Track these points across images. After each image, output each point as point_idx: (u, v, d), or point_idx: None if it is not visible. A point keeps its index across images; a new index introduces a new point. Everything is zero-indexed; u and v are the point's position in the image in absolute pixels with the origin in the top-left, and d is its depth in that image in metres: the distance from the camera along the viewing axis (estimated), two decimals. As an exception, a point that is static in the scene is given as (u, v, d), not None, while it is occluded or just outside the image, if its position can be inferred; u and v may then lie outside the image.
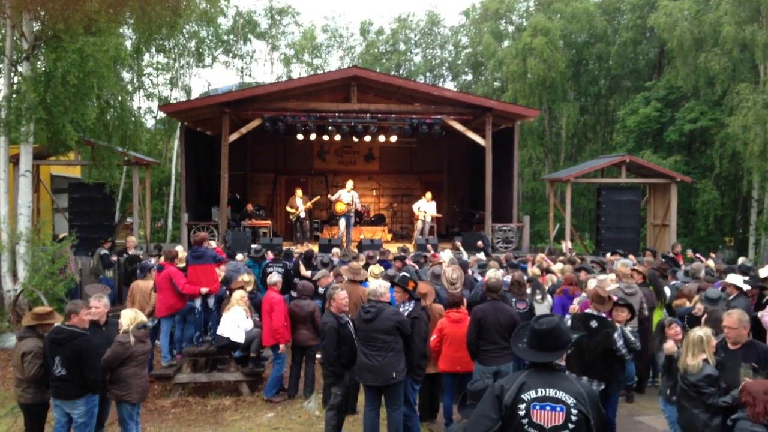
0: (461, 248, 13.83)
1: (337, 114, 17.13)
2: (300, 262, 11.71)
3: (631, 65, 31.01)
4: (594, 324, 6.25)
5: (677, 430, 5.67)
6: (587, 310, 6.60)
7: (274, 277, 9.21)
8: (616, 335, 6.23)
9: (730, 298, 7.69)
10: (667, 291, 9.47)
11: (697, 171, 25.32)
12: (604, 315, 6.39)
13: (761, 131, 20.41)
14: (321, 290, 9.62)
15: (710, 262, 12.37)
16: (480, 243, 14.86)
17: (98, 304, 6.55)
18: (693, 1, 24.62)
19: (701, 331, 5.38)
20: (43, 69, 11.95)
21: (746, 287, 7.93)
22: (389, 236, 20.05)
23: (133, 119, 14.01)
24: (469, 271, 10.51)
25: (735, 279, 8.01)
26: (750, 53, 23.00)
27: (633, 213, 17.41)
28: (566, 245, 15.47)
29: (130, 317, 6.29)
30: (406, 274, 8.17)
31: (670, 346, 5.92)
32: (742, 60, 23.50)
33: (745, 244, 24.54)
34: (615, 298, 6.81)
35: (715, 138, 23.93)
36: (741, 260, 12.49)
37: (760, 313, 7.37)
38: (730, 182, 26.45)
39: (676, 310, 8.05)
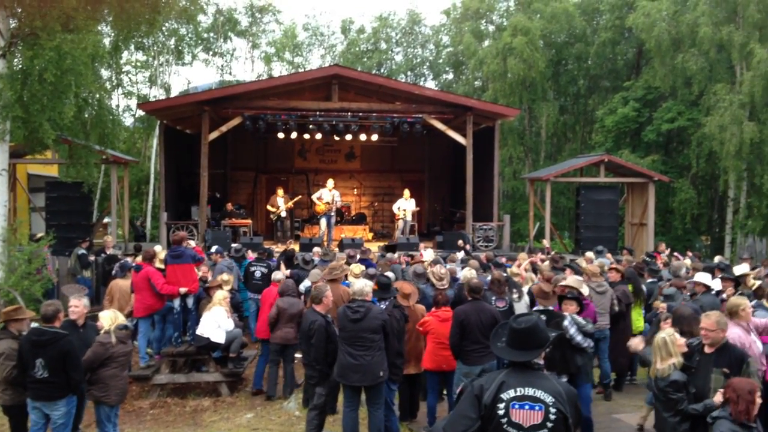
0: (466, 247, 13.95)
1: (318, 112, 17.09)
2: (281, 262, 11.66)
3: (609, 65, 31.24)
4: (543, 318, 6.34)
5: None
6: (535, 308, 6.70)
7: (278, 274, 9.52)
8: (566, 323, 6.34)
9: (697, 295, 7.82)
10: (644, 289, 9.61)
11: (675, 170, 25.58)
12: (551, 308, 6.48)
13: (737, 131, 20.68)
14: (302, 288, 9.56)
15: (687, 261, 12.54)
16: (461, 242, 14.92)
17: (78, 303, 6.48)
18: (671, 2, 24.83)
19: (664, 333, 5.34)
20: (20, 67, 11.76)
21: (715, 286, 8.07)
22: (370, 235, 20.06)
23: (111, 117, 13.84)
24: (452, 266, 10.56)
25: (703, 277, 8.14)
26: (727, 54, 23.26)
27: (611, 212, 17.57)
28: (546, 244, 15.63)
29: (110, 317, 6.23)
30: (391, 274, 8.22)
31: (636, 342, 5.98)
32: (719, 60, 23.77)
33: (721, 242, 24.85)
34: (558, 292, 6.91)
35: (692, 138, 24.18)
36: (717, 258, 12.68)
37: None
38: (706, 181, 26.77)
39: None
